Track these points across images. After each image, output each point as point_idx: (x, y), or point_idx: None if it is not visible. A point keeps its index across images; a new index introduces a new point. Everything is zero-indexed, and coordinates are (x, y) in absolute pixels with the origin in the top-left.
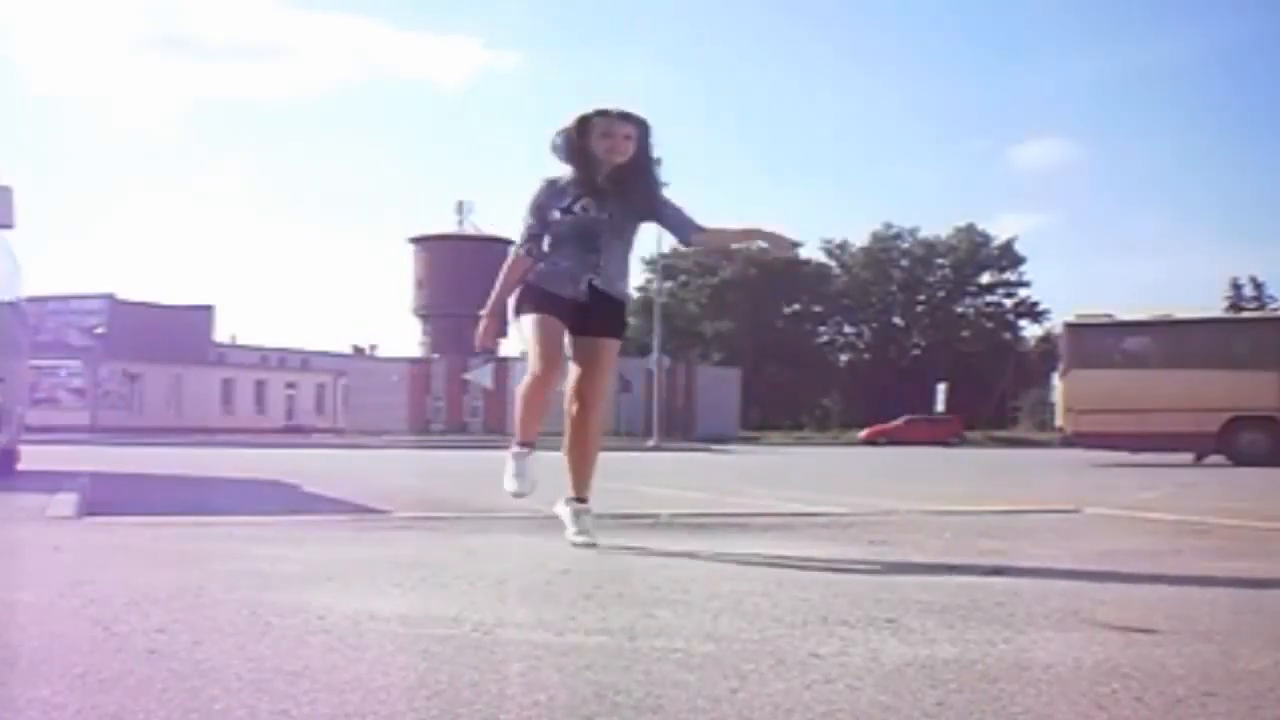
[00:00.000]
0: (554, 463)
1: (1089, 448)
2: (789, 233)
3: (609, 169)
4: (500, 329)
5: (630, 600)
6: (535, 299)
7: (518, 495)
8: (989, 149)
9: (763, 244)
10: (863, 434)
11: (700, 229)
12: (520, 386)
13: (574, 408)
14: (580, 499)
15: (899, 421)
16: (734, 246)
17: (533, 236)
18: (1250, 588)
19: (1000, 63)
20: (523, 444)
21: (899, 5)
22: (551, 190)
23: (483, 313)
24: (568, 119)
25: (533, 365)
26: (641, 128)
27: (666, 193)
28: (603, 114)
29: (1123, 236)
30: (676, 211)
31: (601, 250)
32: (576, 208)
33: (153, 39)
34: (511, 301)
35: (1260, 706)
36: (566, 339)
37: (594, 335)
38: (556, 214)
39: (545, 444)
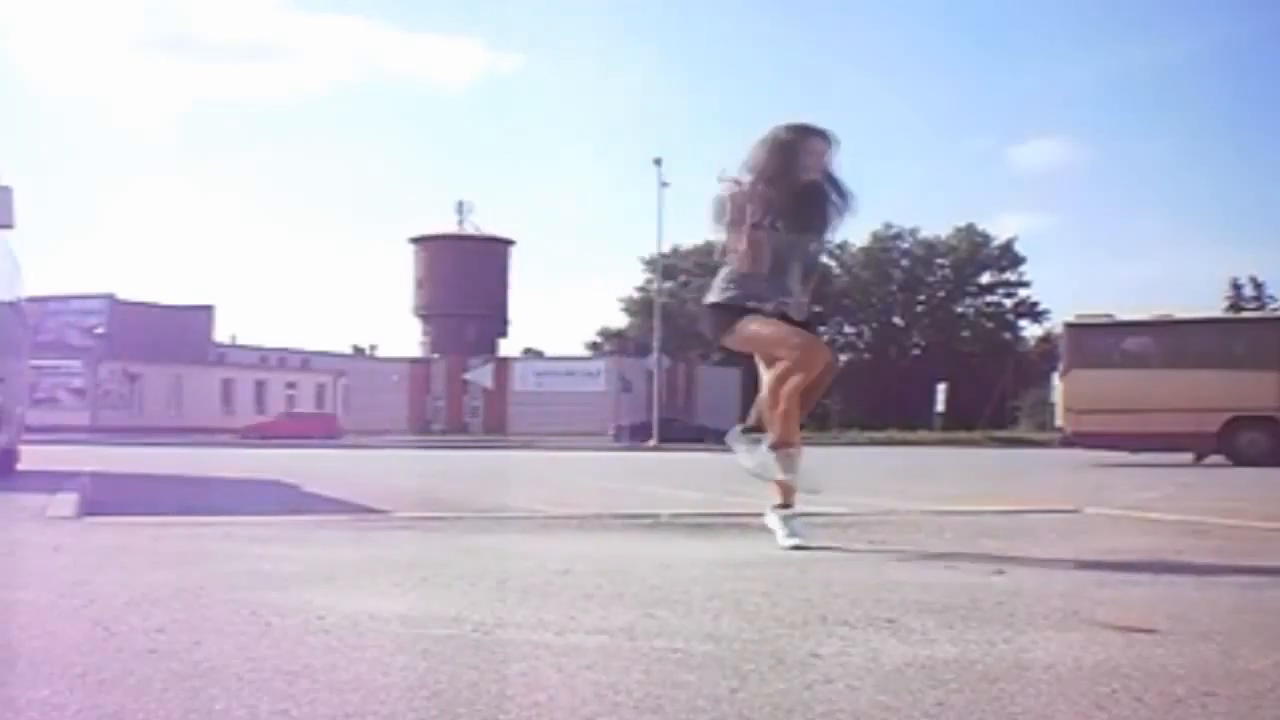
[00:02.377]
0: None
1: (1089, 448)
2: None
3: (800, 187)
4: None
5: (630, 600)
6: (744, 314)
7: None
8: (989, 149)
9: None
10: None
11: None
12: (785, 384)
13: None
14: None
15: (273, 417)
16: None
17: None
18: (1250, 588)
19: (1000, 63)
20: (790, 445)
21: (899, 5)
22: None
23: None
24: (777, 130)
25: (790, 354)
26: (832, 145)
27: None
28: (807, 129)
29: (1123, 236)
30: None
31: (791, 274)
32: (777, 224)
33: (153, 39)
34: (709, 320)
35: (1260, 706)
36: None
37: None
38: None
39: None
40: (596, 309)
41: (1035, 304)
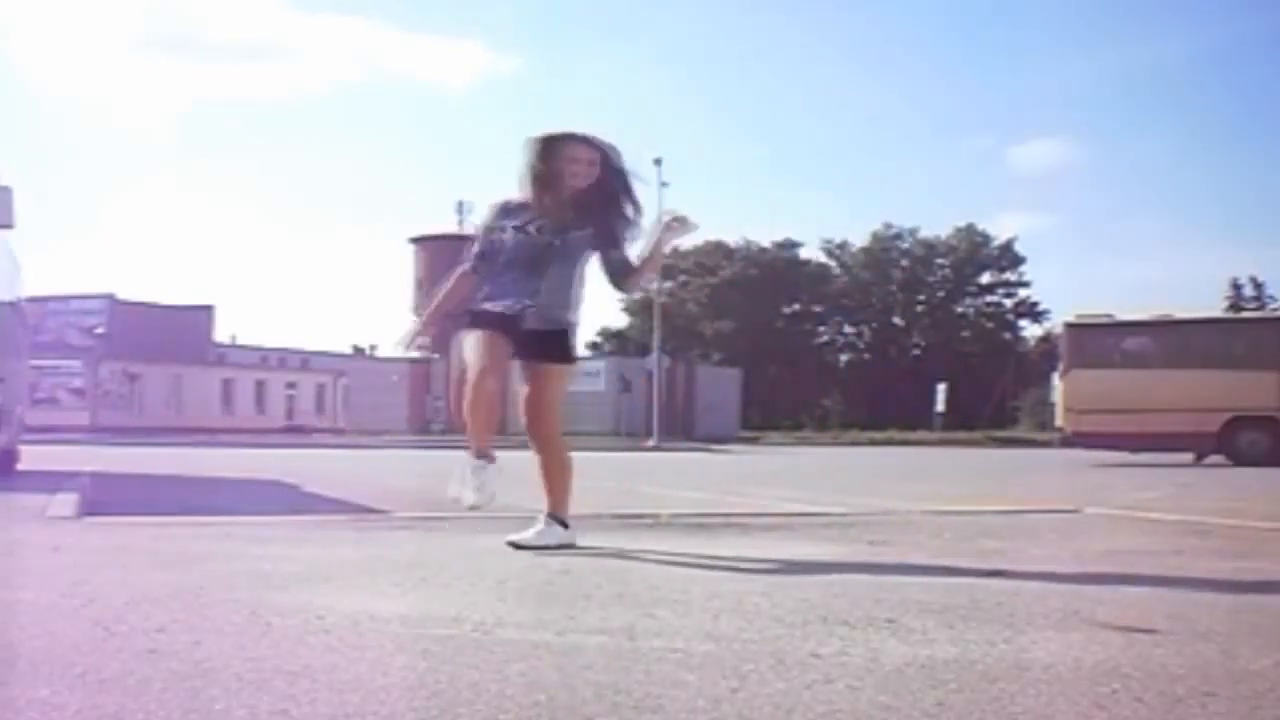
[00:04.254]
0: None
1: (1089, 448)
2: (690, 217)
3: (568, 194)
4: (434, 335)
5: (630, 600)
6: (476, 318)
7: (473, 508)
8: (989, 149)
9: (676, 240)
10: None
11: (630, 271)
12: (465, 398)
13: (528, 434)
14: (553, 515)
15: None
16: (661, 257)
17: (479, 255)
18: (1250, 588)
19: (1000, 63)
20: (479, 455)
21: (899, 5)
22: (504, 211)
23: (420, 318)
24: (532, 138)
25: (470, 369)
26: (607, 154)
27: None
28: (569, 137)
29: (1123, 236)
30: (622, 259)
31: (545, 277)
32: (530, 228)
33: (153, 39)
34: (458, 330)
35: (1260, 706)
36: (509, 352)
37: (536, 360)
38: (509, 231)
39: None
40: (596, 309)
41: (1035, 304)
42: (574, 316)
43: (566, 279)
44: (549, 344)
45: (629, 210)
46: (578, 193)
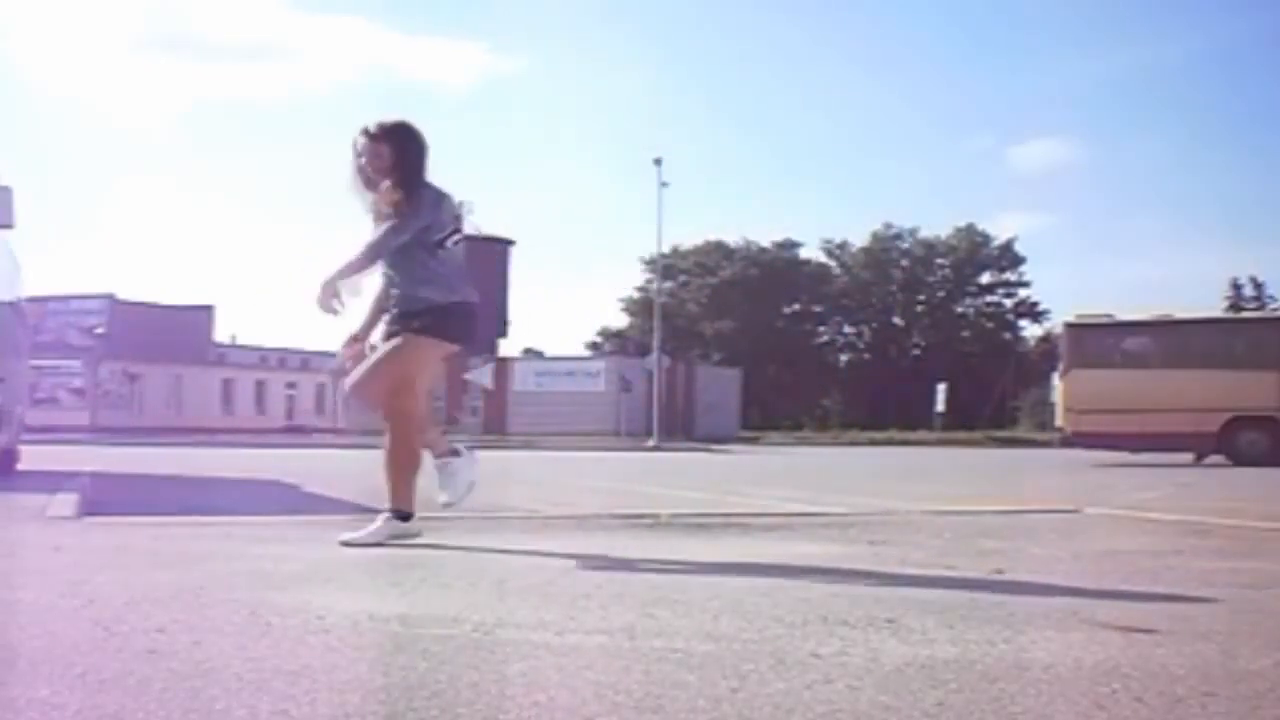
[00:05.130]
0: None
1: (1089, 448)
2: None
3: (379, 186)
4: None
5: (630, 600)
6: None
7: (446, 505)
8: (989, 149)
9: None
10: None
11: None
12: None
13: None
14: (393, 510)
15: None
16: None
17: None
18: (1250, 588)
19: (1000, 62)
20: (438, 456)
21: (899, 4)
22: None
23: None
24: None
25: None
26: (385, 141)
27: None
28: (362, 133)
29: (1123, 236)
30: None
31: (392, 268)
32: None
33: (153, 39)
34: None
35: (1260, 706)
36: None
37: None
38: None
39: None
40: (596, 309)
41: (1035, 304)
42: (433, 294)
43: (408, 265)
44: (407, 320)
45: (404, 195)
46: (387, 185)
